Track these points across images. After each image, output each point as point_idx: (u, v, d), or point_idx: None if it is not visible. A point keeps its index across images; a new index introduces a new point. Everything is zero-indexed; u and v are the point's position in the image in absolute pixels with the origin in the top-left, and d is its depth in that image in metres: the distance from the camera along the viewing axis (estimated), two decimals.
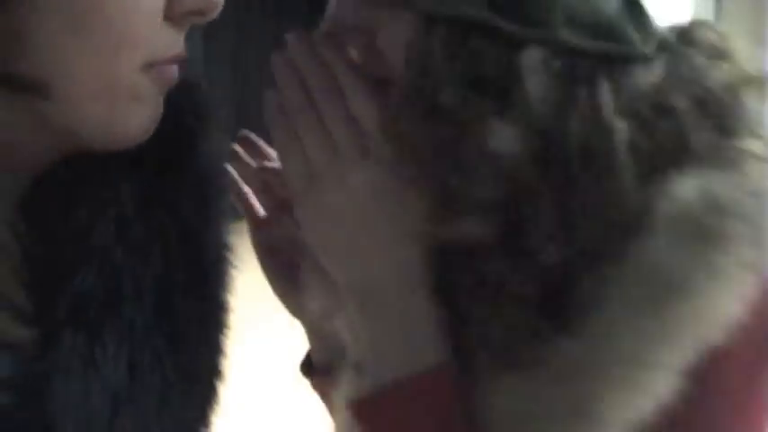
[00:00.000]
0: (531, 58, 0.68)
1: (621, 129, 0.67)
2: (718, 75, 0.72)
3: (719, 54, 0.73)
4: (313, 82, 0.74)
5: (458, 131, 0.68)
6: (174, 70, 0.68)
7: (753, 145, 0.69)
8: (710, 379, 0.66)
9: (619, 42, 0.70)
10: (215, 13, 0.67)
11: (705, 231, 0.66)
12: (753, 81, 0.72)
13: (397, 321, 0.73)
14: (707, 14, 5.60)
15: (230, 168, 0.90)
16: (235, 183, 0.93)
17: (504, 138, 0.67)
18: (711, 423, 0.68)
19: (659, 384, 0.66)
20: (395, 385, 0.71)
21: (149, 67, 0.66)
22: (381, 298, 0.73)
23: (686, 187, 0.67)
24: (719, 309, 0.66)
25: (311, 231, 0.75)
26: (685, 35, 0.75)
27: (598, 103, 0.68)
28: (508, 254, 0.69)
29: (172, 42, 0.67)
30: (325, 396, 0.92)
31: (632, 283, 0.67)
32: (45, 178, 0.70)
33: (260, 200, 0.94)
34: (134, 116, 0.68)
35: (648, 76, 0.70)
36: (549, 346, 0.68)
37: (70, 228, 0.69)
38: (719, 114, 0.70)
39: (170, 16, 0.66)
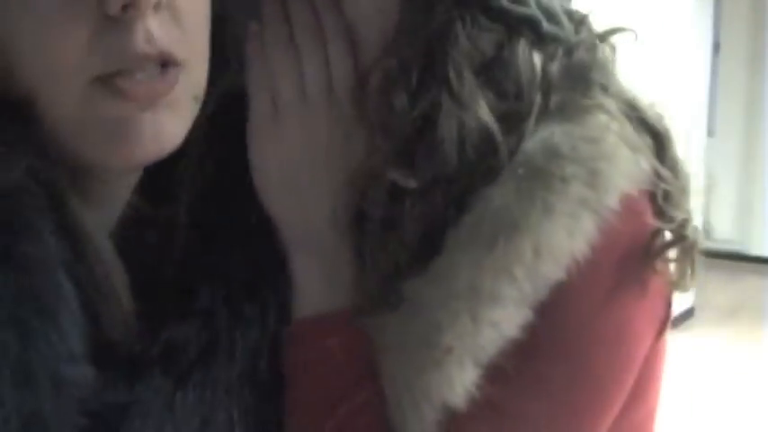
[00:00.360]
0: (523, 41, 0.74)
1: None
2: (581, 38, 0.77)
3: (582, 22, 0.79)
4: (297, 18, 0.77)
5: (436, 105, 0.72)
6: (135, 83, 0.64)
7: (598, 98, 0.73)
8: (554, 313, 0.69)
9: (561, 27, 0.76)
10: (148, 1, 0.63)
11: (542, 175, 0.70)
12: (604, 37, 0.79)
13: (325, 261, 0.76)
14: (707, 14, 5.61)
15: None
16: None
17: (483, 110, 0.72)
18: (554, 356, 0.70)
19: (499, 316, 0.69)
20: (314, 319, 0.75)
21: (102, 79, 0.64)
22: (314, 237, 0.76)
23: (534, 139, 0.71)
24: (556, 244, 0.69)
25: (261, 163, 0.76)
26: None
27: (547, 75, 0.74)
28: (397, 197, 0.73)
29: (120, 48, 0.63)
30: None
31: (474, 224, 0.70)
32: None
33: None
34: (132, 131, 0.65)
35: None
36: (407, 284, 0.72)
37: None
38: (578, 75, 0.74)
39: (107, 17, 0.62)
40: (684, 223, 0.75)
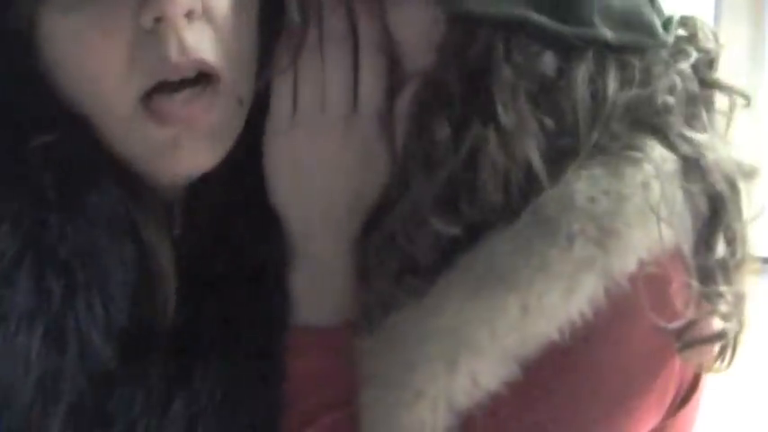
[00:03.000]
0: (584, 65, 0.70)
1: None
2: (680, 71, 0.73)
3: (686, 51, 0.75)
4: (330, 25, 0.77)
5: (482, 139, 0.70)
6: (173, 103, 0.69)
7: (650, 151, 0.70)
8: (542, 373, 0.69)
9: (646, 32, 0.73)
10: (176, 11, 0.67)
11: (549, 227, 0.68)
12: (708, 83, 0.74)
13: (324, 274, 0.79)
14: (707, 14, 5.62)
15: None
16: None
17: (531, 147, 0.69)
18: (536, 420, 0.70)
19: (479, 367, 0.69)
20: (304, 331, 0.79)
21: (147, 101, 0.69)
22: (317, 249, 0.79)
23: (566, 179, 0.69)
24: (548, 304, 0.68)
25: (273, 165, 0.79)
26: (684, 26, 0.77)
27: (604, 102, 0.71)
28: (406, 217, 0.73)
29: (152, 68, 0.68)
30: None
31: (467, 265, 0.71)
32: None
33: None
34: (167, 158, 0.72)
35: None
36: (397, 313, 0.73)
37: None
38: (641, 115, 0.72)
39: (142, 32, 0.67)
40: (729, 310, 0.71)
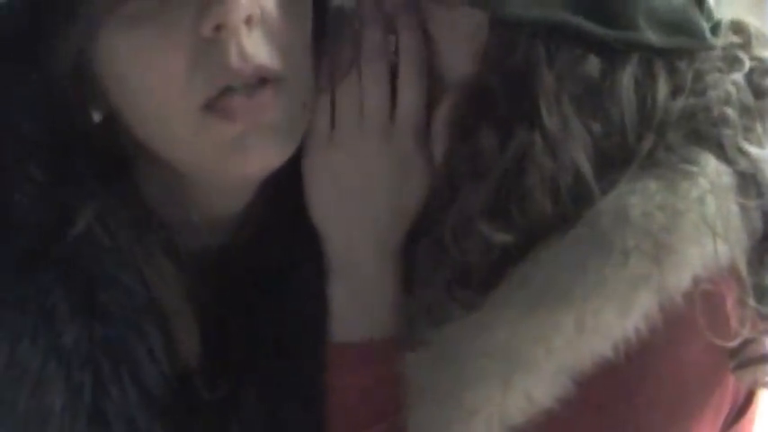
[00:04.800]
0: (629, 69, 0.67)
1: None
2: (734, 81, 0.70)
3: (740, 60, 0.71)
4: (367, 41, 0.76)
5: (527, 145, 0.67)
6: (240, 101, 0.68)
7: (706, 164, 0.67)
8: (595, 389, 0.66)
9: (693, 36, 0.70)
10: (237, 16, 0.67)
11: (604, 243, 0.65)
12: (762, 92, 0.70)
13: (366, 288, 0.76)
14: None
15: None
16: None
17: (578, 152, 0.66)
18: None
19: (534, 384, 0.66)
20: (349, 346, 0.76)
21: (210, 105, 0.68)
22: (359, 264, 0.77)
23: (620, 191, 0.66)
24: (604, 321, 0.65)
25: (312, 180, 0.76)
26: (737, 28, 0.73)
27: (655, 108, 0.68)
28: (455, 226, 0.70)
29: (214, 77, 0.67)
30: None
31: (521, 281, 0.67)
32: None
33: None
34: (238, 161, 0.70)
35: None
36: (448, 327, 0.70)
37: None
38: (698, 125, 0.68)
39: (201, 40, 0.66)
40: None
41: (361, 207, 0.76)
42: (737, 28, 0.73)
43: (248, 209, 0.79)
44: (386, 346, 0.75)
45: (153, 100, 0.68)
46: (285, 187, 0.77)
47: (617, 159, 0.67)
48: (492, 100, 0.69)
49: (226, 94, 0.68)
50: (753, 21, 0.74)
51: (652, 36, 0.68)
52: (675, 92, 0.68)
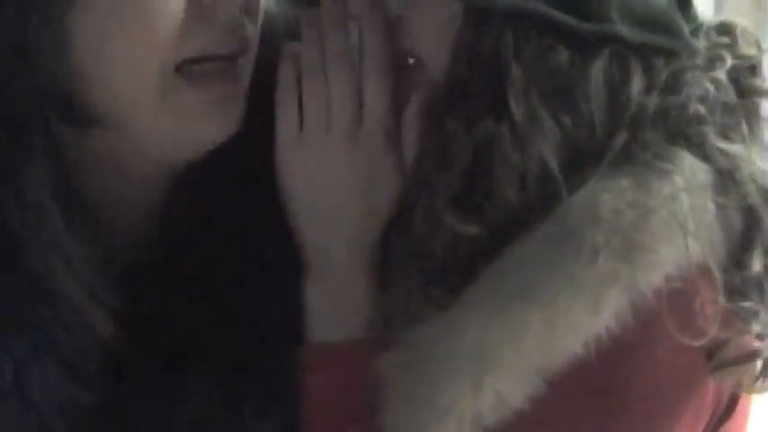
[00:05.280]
0: (600, 62, 0.67)
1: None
2: (712, 81, 0.69)
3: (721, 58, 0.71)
4: (331, 42, 0.75)
5: (500, 136, 0.67)
6: (207, 69, 0.71)
7: (681, 163, 0.66)
8: (567, 388, 0.65)
9: (669, 35, 0.69)
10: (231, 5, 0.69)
11: (573, 241, 0.65)
12: (745, 91, 0.70)
13: (340, 289, 0.76)
14: (707, 14, 5.61)
15: None
16: None
17: (546, 146, 0.66)
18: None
19: (504, 384, 0.66)
20: (323, 346, 0.76)
21: (184, 68, 0.69)
22: (331, 263, 0.77)
23: (588, 189, 0.66)
24: (574, 320, 0.64)
25: (285, 180, 0.77)
26: (725, 31, 0.74)
27: (628, 104, 0.67)
28: (428, 220, 0.70)
29: (203, 42, 0.70)
30: None
31: (490, 280, 0.67)
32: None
33: None
34: (203, 127, 0.72)
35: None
36: (419, 328, 0.70)
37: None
38: (673, 123, 0.68)
39: (196, 8, 0.68)
40: (764, 329, 0.67)
41: (332, 208, 0.76)
42: (724, 29, 0.73)
43: (162, 208, 0.78)
44: (361, 346, 0.75)
45: (134, 51, 0.68)
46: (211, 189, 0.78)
47: (588, 155, 0.67)
48: (461, 90, 0.69)
49: (206, 60, 0.70)
50: (741, 21, 0.74)
51: (625, 30, 0.67)
52: (650, 89, 0.68)
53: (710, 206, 0.66)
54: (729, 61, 0.70)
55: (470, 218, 0.67)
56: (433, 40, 0.72)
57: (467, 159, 0.68)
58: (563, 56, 0.67)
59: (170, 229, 0.78)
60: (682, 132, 0.68)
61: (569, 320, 0.65)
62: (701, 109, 0.67)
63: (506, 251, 0.67)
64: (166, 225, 0.78)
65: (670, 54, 0.69)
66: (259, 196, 0.79)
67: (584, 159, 0.67)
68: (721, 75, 0.70)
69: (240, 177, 0.79)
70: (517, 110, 0.66)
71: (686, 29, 0.70)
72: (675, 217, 0.65)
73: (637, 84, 0.68)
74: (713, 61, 0.70)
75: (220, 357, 0.76)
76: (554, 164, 0.66)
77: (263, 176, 0.78)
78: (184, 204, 0.78)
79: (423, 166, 0.72)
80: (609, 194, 0.65)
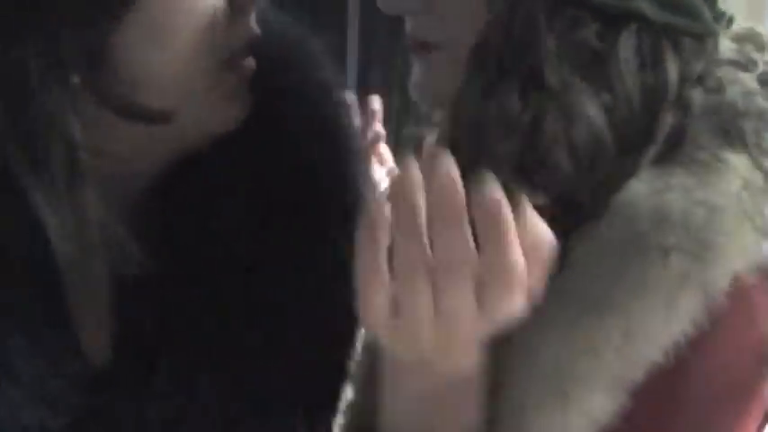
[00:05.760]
0: (627, 39, 0.68)
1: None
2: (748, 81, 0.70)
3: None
4: (442, 210, 0.57)
5: (541, 111, 0.66)
6: (251, 61, 0.76)
7: (739, 159, 0.66)
8: (651, 398, 0.64)
9: (691, 18, 0.70)
10: None
11: (643, 245, 0.64)
12: None
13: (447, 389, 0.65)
14: None
15: None
16: None
17: (587, 112, 0.66)
18: None
19: (589, 400, 0.64)
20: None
21: (230, 61, 0.75)
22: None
23: (641, 187, 0.65)
24: (651, 326, 0.63)
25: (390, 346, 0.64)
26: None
27: (667, 81, 0.68)
28: None
29: (243, 31, 0.75)
30: None
31: (560, 291, 0.64)
32: (157, 188, 0.78)
33: None
34: (229, 112, 0.77)
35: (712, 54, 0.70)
36: (492, 352, 0.64)
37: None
38: (727, 119, 0.68)
39: (234, 4, 0.74)
40: None
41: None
42: (750, 34, 0.75)
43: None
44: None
45: (181, 58, 0.72)
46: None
47: (632, 137, 0.67)
48: (497, 64, 0.69)
49: (238, 54, 0.76)
50: (764, 30, 0.76)
51: (648, 9, 0.69)
52: (686, 77, 0.69)
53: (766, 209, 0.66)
54: (761, 65, 0.71)
55: (535, 187, 0.65)
56: (459, 25, 0.72)
57: (521, 127, 0.67)
58: (591, 28, 0.68)
59: (163, 236, 0.78)
60: (733, 131, 0.67)
61: (645, 327, 0.64)
62: (752, 108, 0.68)
63: (572, 259, 0.65)
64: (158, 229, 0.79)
65: (695, 37, 0.70)
66: (253, 191, 0.80)
67: (628, 141, 0.67)
68: (753, 78, 0.71)
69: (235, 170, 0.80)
70: (553, 79, 0.67)
71: (708, 14, 0.71)
72: (746, 215, 0.64)
73: (672, 68, 0.69)
74: (746, 63, 0.71)
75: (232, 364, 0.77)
76: (600, 129, 0.66)
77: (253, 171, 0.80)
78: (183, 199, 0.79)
79: (482, 140, 0.68)
80: (675, 194, 0.65)
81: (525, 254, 0.58)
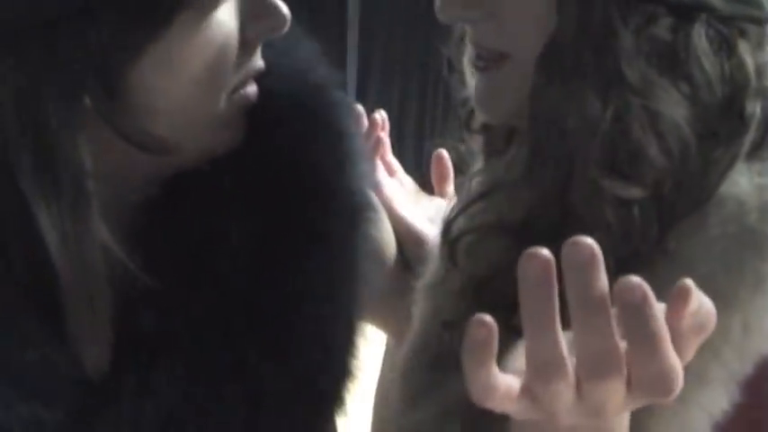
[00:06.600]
0: (699, 30, 0.69)
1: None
2: None
3: None
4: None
5: (626, 105, 0.67)
6: (253, 89, 0.77)
7: None
8: (760, 389, 0.65)
9: (754, 6, 0.72)
10: (285, 29, 0.76)
11: (755, 239, 0.65)
12: None
13: None
14: None
15: None
16: None
17: (677, 113, 0.67)
18: None
19: (707, 398, 0.64)
20: None
21: (235, 92, 0.76)
22: None
23: (744, 180, 0.67)
24: (765, 320, 0.64)
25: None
26: None
27: (744, 66, 0.69)
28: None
29: (250, 64, 0.76)
30: None
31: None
32: (154, 203, 0.78)
33: None
34: (228, 136, 0.78)
35: None
36: None
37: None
38: None
39: (244, 42, 0.75)
40: None
41: None
42: None
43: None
44: None
45: (191, 89, 0.73)
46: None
47: (717, 124, 0.68)
48: (573, 62, 0.70)
49: (242, 86, 0.76)
50: None
51: (716, 1, 0.70)
52: (760, 64, 0.70)
53: None
54: None
55: (629, 180, 0.66)
56: (525, 31, 0.73)
57: (605, 126, 0.67)
58: (665, 22, 0.69)
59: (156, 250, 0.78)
60: None
61: (761, 321, 0.64)
62: None
63: (678, 254, 0.66)
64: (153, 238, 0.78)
65: (759, 23, 0.72)
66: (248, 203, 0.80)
67: (714, 132, 0.68)
68: None
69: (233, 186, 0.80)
70: (633, 75, 0.68)
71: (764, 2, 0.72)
72: None
73: (746, 54, 0.70)
74: None
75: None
76: (684, 115, 0.67)
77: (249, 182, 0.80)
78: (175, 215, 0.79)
79: (567, 146, 0.69)
80: None
81: (688, 339, 0.52)
